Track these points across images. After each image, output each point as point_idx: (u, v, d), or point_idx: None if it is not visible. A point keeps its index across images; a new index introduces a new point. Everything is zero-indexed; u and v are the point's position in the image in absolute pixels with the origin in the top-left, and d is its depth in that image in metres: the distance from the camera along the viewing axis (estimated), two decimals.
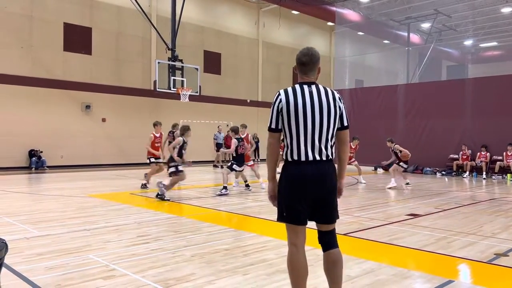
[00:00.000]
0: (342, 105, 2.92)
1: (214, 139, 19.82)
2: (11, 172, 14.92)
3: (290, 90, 2.87)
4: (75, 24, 17.41)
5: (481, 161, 15.01)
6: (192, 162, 21.29)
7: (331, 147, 2.88)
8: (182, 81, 16.30)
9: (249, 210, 7.65)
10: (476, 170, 15.15)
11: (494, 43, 26.26)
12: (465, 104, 15.87)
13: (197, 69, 17.08)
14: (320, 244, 2.96)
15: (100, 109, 18.10)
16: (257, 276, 3.92)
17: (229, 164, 10.46)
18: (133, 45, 19.19)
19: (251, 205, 8.33)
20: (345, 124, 2.94)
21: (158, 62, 15.95)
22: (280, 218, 2.90)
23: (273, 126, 2.87)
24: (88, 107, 17.66)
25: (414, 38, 25.38)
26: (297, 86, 2.88)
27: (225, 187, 9.76)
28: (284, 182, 2.86)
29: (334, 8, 22.35)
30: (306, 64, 2.89)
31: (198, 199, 9.14)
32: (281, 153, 3.04)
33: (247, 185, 10.77)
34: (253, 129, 24.04)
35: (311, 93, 2.84)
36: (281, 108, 2.83)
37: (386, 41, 26.03)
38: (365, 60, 24.34)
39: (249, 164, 11.23)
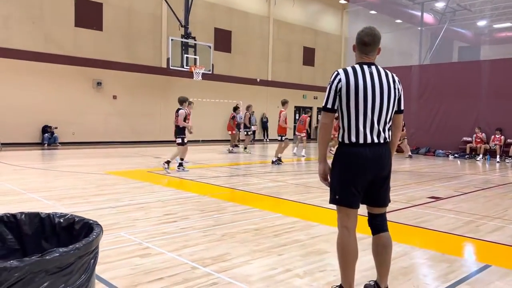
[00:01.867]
0: (401, 88, 2.89)
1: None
2: (24, 148, 15.00)
3: (350, 69, 2.80)
4: (86, 0, 17.19)
5: (495, 144, 14.92)
6: (202, 140, 21.33)
7: (389, 129, 2.85)
8: (195, 58, 16.17)
9: (269, 191, 7.67)
10: (489, 153, 15.09)
11: (509, 24, 25.77)
12: (480, 86, 15.69)
13: (210, 46, 16.90)
14: (370, 227, 2.97)
15: (111, 86, 18.04)
16: (292, 257, 3.95)
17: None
18: (145, 22, 18.97)
19: (270, 185, 8.35)
20: (402, 108, 2.93)
21: (172, 39, 15.78)
22: (333, 201, 2.88)
23: (329, 105, 2.80)
24: (99, 84, 17.60)
25: (428, 18, 24.93)
26: (357, 66, 2.82)
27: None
28: (340, 164, 2.83)
29: None
30: (368, 44, 2.84)
31: (215, 178, 9.17)
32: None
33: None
34: (262, 108, 24.01)
35: (371, 73, 2.78)
36: (340, 88, 2.76)
37: (398, 21, 25.61)
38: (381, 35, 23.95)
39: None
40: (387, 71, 2.89)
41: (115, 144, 17.72)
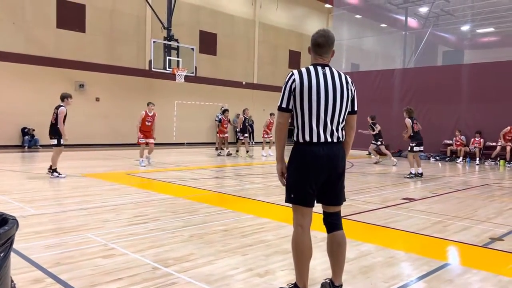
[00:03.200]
0: (353, 89, 2.94)
1: (215, 120, 19.61)
2: (4, 150, 14.78)
3: (304, 70, 2.85)
4: (68, 1, 17.05)
5: (474, 147, 15.12)
6: (187, 143, 21.25)
7: (342, 129, 2.89)
8: (178, 61, 16.14)
9: (245, 192, 7.66)
10: (469, 156, 15.28)
11: (491, 29, 26.15)
12: (461, 89, 15.91)
13: (193, 49, 16.88)
14: (325, 225, 2.99)
15: (94, 88, 17.89)
16: (256, 257, 3.94)
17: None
18: (128, 24, 18.87)
19: (248, 187, 8.34)
20: (355, 108, 2.97)
21: (154, 42, 15.73)
22: (289, 199, 2.90)
23: (283, 105, 2.84)
24: (81, 86, 17.44)
25: (412, 22, 25.21)
26: (311, 67, 2.87)
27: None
28: (295, 163, 2.86)
29: None
30: (322, 46, 2.89)
31: (194, 180, 9.14)
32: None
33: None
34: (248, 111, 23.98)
35: (324, 74, 2.83)
36: (294, 88, 2.80)
37: (383, 25, 25.85)
38: (361, 44, 24.19)
39: None
40: (341, 72, 2.94)
41: (97, 146, 17.56)
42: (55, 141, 8.91)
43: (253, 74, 24.87)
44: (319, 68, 2.86)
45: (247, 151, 15.42)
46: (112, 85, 18.40)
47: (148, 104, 11.52)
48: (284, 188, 2.99)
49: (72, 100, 9.22)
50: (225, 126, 15.18)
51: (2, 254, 1.36)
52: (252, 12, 24.33)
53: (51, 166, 8.84)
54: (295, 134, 2.88)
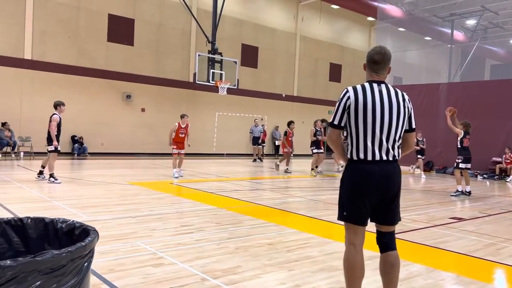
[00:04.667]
0: (410, 106, 2.91)
1: (250, 132, 19.83)
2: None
3: (359, 87, 2.85)
4: (119, 16, 17.87)
5: None
6: (226, 154, 21.50)
7: (398, 147, 2.86)
8: (221, 74, 16.45)
9: (287, 206, 7.67)
10: None
11: None
12: (510, 105, 15.23)
13: (235, 62, 17.17)
14: (378, 245, 2.97)
15: (140, 99, 18.54)
16: (303, 273, 3.94)
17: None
18: (174, 37, 19.50)
19: (289, 201, 8.34)
20: (413, 126, 2.94)
21: (199, 55, 16.14)
22: (341, 217, 2.90)
23: (336, 122, 2.86)
24: (128, 96, 18.13)
25: (458, 35, 24.52)
26: (367, 84, 2.87)
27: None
28: (348, 181, 2.86)
29: (375, 3, 21.89)
30: (379, 63, 2.89)
31: (236, 191, 9.24)
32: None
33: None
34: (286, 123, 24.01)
35: (380, 92, 2.83)
36: (349, 106, 2.81)
37: (428, 38, 25.28)
38: (405, 57, 23.75)
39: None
40: (397, 89, 2.92)
41: (141, 155, 18.12)
42: (52, 148, 9.33)
43: (293, 87, 24.92)
44: (375, 85, 2.85)
45: (316, 166, 13.63)
46: (157, 96, 19.00)
47: (182, 116, 11.55)
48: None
49: (65, 107, 9.65)
50: (290, 139, 14.24)
51: (86, 264, 1.46)
52: (294, 25, 24.49)
53: (41, 171, 9.45)
54: (348, 151, 2.87)
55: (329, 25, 26.05)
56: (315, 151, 13.60)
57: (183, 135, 11.44)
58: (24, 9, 15.73)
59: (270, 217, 6.57)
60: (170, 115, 19.17)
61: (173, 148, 11.43)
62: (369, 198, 2.78)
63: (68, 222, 1.85)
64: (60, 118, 9.47)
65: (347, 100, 2.83)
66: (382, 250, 2.94)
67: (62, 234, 1.81)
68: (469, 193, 9.95)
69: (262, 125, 20.47)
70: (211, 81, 16.18)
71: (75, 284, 1.41)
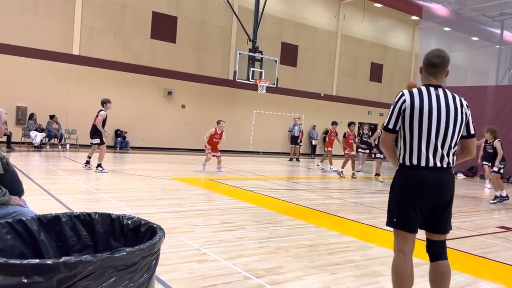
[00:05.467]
0: (468, 112, 2.83)
1: (289, 131, 19.76)
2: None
3: (415, 91, 2.78)
4: (163, 13, 18.27)
5: None
6: (263, 152, 21.53)
7: (453, 154, 2.79)
8: (261, 72, 16.50)
9: (326, 207, 7.61)
10: None
11: None
12: None
13: (275, 61, 17.17)
14: (428, 254, 2.92)
15: (181, 95, 18.90)
16: (346, 277, 3.91)
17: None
18: (215, 36, 19.73)
19: (328, 202, 8.27)
20: (472, 132, 2.85)
21: (240, 53, 16.25)
22: (390, 223, 2.86)
23: (390, 126, 2.81)
24: (170, 93, 18.53)
25: (508, 36, 23.41)
26: (423, 88, 2.80)
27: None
28: (399, 187, 2.81)
29: (421, 2, 21.26)
30: (437, 66, 2.82)
31: (273, 190, 9.26)
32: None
33: None
34: (324, 123, 23.83)
35: (437, 96, 2.76)
36: (404, 109, 2.75)
37: (475, 38, 24.29)
38: (450, 58, 22.88)
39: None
40: (455, 94, 2.85)
41: (181, 151, 18.48)
42: (97, 140, 10.03)
43: (332, 86, 24.64)
44: (432, 89, 2.78)
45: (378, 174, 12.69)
46: (197, 93, 19.31)
47: (218, 122, 11.79)
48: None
49: (111, 105, 10.35)
50: (350, 141, 13.37)
51: (154, 262, 1.52)
52: (335, 24, 24.18)
53: (87, 161, 10.12)
54: (401, 157, 2.81)
55: (371, 23, 25.55)
56: (379, 155, 12.94)
57: (217, 140, 11.76)
58: (74, 6, 16.38)
59: (310, 218, 6.54)
60: (209, 112, 19.47)
61: (207, 150, 11.83)
62: (420, 205, 2.72)
63: (134, 219, 1.92)
64: (106, 115, 10.10)
65: (402, 103, 2.76)
66: (432, 259, 2.87)
67: (128, 230, 1.89)
68: (507, 197, 9.65)
69: (300, 124, 20.38)
70: (250, 79, 16.27)
71: (144, 281, 1.47)
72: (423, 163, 2.70)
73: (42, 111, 15.52)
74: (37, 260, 1.25)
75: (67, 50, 16.40)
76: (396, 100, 2.81)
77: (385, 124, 2.85)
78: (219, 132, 11.73)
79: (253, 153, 21.05)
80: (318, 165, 15.21)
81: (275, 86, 17.18)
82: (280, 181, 11.18)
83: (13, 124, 15.15)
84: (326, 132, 15.46)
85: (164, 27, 18.30)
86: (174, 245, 4.55)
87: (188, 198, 7.44)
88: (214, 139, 11.70)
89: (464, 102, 2.83)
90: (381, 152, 12.32)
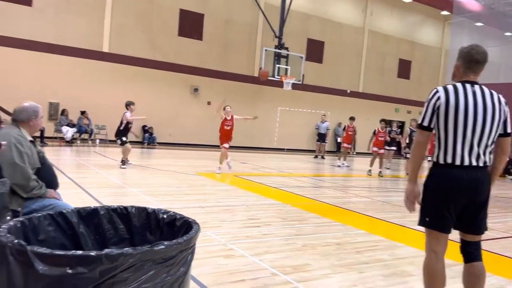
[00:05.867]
0: (507, 110, 2.74)
1: (316, 128, 19.61)
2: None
3: (450, 88, 2.71)
4: (190, 11, 18.43)
5: None
6: (287, 149, 21.48)
7: (490, 153, 2.72)
8: (286, 69, 16.45)
9: (353, 206, 7.54)
10: None
11: None
12: None
13: (301, 57, 17.08)
14: (462, 255, 2.84)
15: (206, 92, 19.05)
16: (374, 276, 3.87)
17: None
18: (241, 33, 19.77)
19: (354, 201, 8.20)
20: (508, 131, 2.76)
21: (265, 50, 16.24)
22: (423, 223, 2.80)
23: (425, 123, 2.73)
24: (196, 90, 18.71)
25: None
26: (459, 85, 2.72)
27: None
28: (433, 185, 2.74)
29: None
30: (480, 62, 2.73)
31: (298, 188, 9.24)
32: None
33: None
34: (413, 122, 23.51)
35: (474, 93, 2.68)
36: (439, 106, 2.68)
37: (508, 33, 23.48)
38: None
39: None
40: (493, 91, 2.76)
41: (207, 147, 18.64)
42: (119, 141, 10.30)
43: (359, 83, 24.31)
44: (468, 86, 2.70)
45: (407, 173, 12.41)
46: (223, 90, 19.38)
47: (224, 109, 10.98)
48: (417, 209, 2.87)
49: (135, 107, 10.67)
50: (380, 138, 12.96)
51: (190, 256, 1.55)
52: (362, 20, 23.84)
53: (123, 161, 10.21)
54: (435, 155, 2.75)
55: (399, 19, 25.05)
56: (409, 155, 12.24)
57: (229, 127, 10.92)
58: (104, 5, 16.72)
59: (336, 216, 6.50)
60: (234, 109, 19.49)
61: (221, 141, 11.14)
62: (454, 205, 2.66)
63: (169, 213, 1.97)
64: (130, 117, 10.40)
65: (436, 100, 2.69)
66: (466, 260, 2.80)
67: (164, 224, 1.93)
68: None
69: (327, 122, 20.22)
70: (276, 76, 16.24)
71: (181, 274, 1.51)
72: (458, 162, 2.64)
73: (73, 107, 15.96)
74: (81, 252, 1.30)
75: (97, 47, 16.77)
76: (430, 97, 2.74)
77: (419, 122, 2.78)
78: (229, 118, 10.87)
79: (277, 150, 21.03)
80: (341, 164, 14.95)
81: (300, 82, 17.10)
82: (305, 178, 11.14)
83: (46, 119, 15.61)
84: (344, 128, 15.39)
85: (191, 25, 18.46)
86: (201, 240, 4.55)
87: (214, 194, 7.51)
88: (225, 127, 10.92)
89: (502, 99, 2.75)
90: None
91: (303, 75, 17.18)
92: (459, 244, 2.88)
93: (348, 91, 23.73)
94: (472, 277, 2.76)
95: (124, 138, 10.25)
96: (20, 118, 3.21)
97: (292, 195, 8.17)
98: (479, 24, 22.08)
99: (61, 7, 15.96)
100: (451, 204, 2.66)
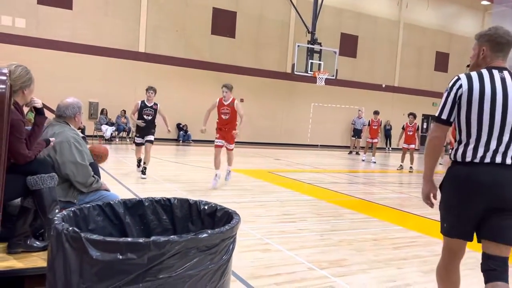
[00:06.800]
0: None
1: (352, 124, 19.35)
2: (163, 143, 16.83)
3: (474, 74, 2.37)
4: (223, 9, 18.61)
5: None
6: (320, 145, 21.28)
7: None
8: (319, 64, 16.32)
9: (390, 201, 7.42)
10: None
11: None
12: None
13: (335, 52, 16.90)
14: (483, 273, 2.37)
15: (240, 89, 19.09)
16: (413, 272, 3.82)
17: None
18: (273, 29, 19.76)
19: (391, 196, 8.06)
20: None
21: (298, 46, 16.18)
22: (441, 229, 2.52)
23: (444, 116, 2.38)
24: None
25: None
26: (484, 71, 2.37)
27: None
28: (450, 186, 2.41)
29: None
30: (507, 45, 2.41)
31: (333, 183, 9.17)
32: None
33: None
34: (386, 115, 23.10)
35: (503, 80, 2.33)
36: (460, 96, 2.34)
37: None
38: None
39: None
40: None
41: (240, 144, 18.76)
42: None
43: (394, 77, 23.78)
44: (496, 72, 2.35)
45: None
46: (256, 87, 19.49)
47: (223, 87, 7.86)
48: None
49: (153, 93, 8.74)
50: (409, 133, 12.56)
51: (232, 245, 1.61)
52: (397, 12, 23.28)
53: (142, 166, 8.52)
54: (453, 151, 2.43)
55: (436, 11, 24.28)
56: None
57: (227, 117, 7.59)
58: (140, 5, 17.15)
59: (372, 211, 6.42)
60: (268, 106, 19.61)
61: (215, 138, 7.88)
62: (476, 208, 2.30)
63: (210, 205, 2.03)
64: (139, 104, 8.51)
65: (458, 89, 2.35)
66: (487, 279, 2.33)
67: (205, 215, 2.00)
68: None
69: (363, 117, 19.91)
70: (309, 72, 16.15)
71: (224, 262, 1.56)
72: (478, 159, 2.29)
73: (112, 106, 16.49)
74: (131, 239, 1.38)
75: (133, 47, 17.23)
76: (450, 85, 2.40)
77: (437, 115, 2.43)
78: (226, 103, 7.58)
79: (311, 146, 20.93)
80: (373, 161, 14.66)
81: (334, 78, 16.92)
82: (340, 174, 11.04)
83: (87, 118, 16.22)
84: (369, 123, 15.19)
85: (223, 23, 18.62)
86: (238, 234, 4.67)
87: (249, 190, 7.58)
88: (222, 115, 7.63)
89: None
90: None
91: (337, 70, 16.99)
92: (481, 262, 2.43)
93: (383, 86, 23.27)
94: None
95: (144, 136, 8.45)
96: (67, 114, 3.35)
97: (327, 191, 8.13)
98: None
99: (99, 10, 16.50)
100: (472, 207, 2.31)
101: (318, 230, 5.10)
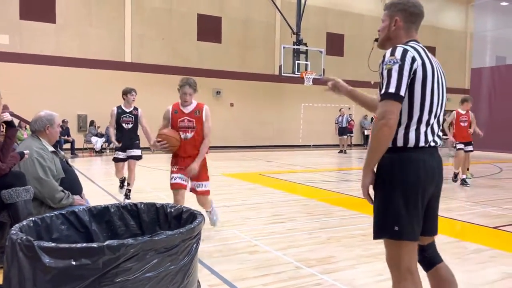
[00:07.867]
0: None
1: (336, 123, 19.42)
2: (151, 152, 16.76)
3: (418, 47, 2.07)
4: (207, 15, 18.62)
5: None
6: (313, 145, 21.31)
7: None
8: (306, 64, 16.35)
9: None
10: None
11: None
12: None
13: (321, 52, 16.94)
14: (421, 264, 2.23)
15: (229, 94, 19.18)
16: None
17: None
18: (258, 32, 19.81)
19: None
20: None
21: (284, 47, 16.20)
22: (390, 234, 2.04)
23: (402, 92, 1.94)
24: (218, 93, 18.87)
25: None
26: (417, 45, 2.09)
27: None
28: (399, 180, 2.00)
29: None
30: (419, 16, 2.21)
31: (324, 182, 9.16)
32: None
33: None
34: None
35: (429, 57, 2.10)
36: (415, 70, 1.99)
37: None
38: (509, 34, 21.45)
39: None
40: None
41: (232, 148, 18.76)
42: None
43: None
44: (421, 47, 2.11)
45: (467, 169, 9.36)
46: (244, 90, 19.50)
47: (183, 85, 4.89)
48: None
49: (133, 96, 7.44)
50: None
51: (195, 245, 1.57)
52: (381, 9, 23.31)
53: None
54: (399, 136, 2.03)
55: None
56: (459, 146, 8.88)
57: (190, 135, 4.75)
58: (124, 16, 17.11)
59: (363, 208, 6.39)
60: (257, 109, 19.61)
61: (171, 172, 4.87)
62: (423, 200, 2.03)
63: (177, 207, 2.00)
64: (115, 111, 6.97)
65: (412, 62, 1.98)
66: (430, 266, 2.22)
67: (172, 218, 1.97)
68: None
69: (350, 115, 19.94)
70: (296, 73, 16.17)
71: (186, 263, 1.53)
72: (422, 142, 2.02)
73: (101, 117, 16.37)
74: (84, 244, 1.35)
75: (119, 58, 17.18)
76: (400, 57, 1.98)
77: (393, 91, 1.94)
78: (187, 112, 4.76)
79: (303, 146, 20.94)
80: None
81: (321, 77, 16.94)
82: (331, 173, 11.04)
83: (76, 131, 16.12)
84: (372, 120, 15.17)
85: (209, 28, 18.63)
86: (226, 237, 4.65)
87: (240, 193, 7.54)
88: (181, 132, 4.72)
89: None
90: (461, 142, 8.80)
91: (324, 69, 17.03)
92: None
93: (372, 83, 23.32)
94: (447, 284, 2.21)
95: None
96: (36, 127, 3.30)
97: (318, 189, 8.11)
98: (504, 3, 21.30)
99: (83, 21, 16.45)
100: (421, 201, 2.03)
101: (308, 229, 5.07)
